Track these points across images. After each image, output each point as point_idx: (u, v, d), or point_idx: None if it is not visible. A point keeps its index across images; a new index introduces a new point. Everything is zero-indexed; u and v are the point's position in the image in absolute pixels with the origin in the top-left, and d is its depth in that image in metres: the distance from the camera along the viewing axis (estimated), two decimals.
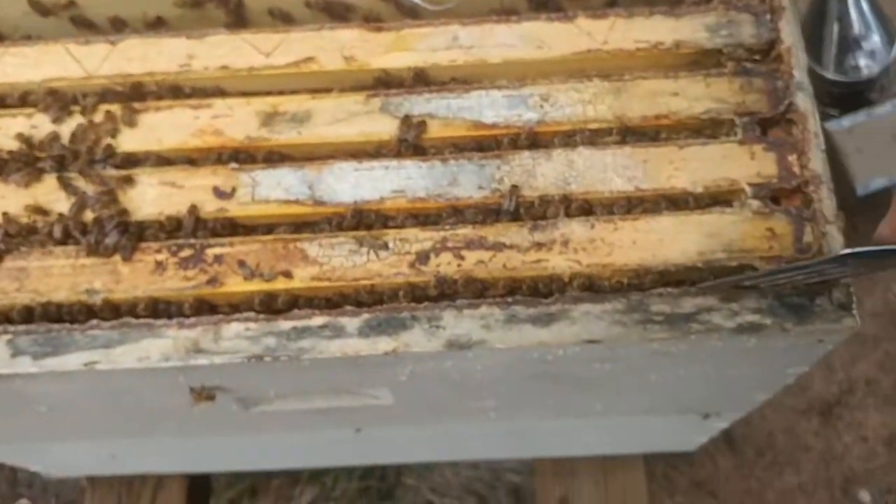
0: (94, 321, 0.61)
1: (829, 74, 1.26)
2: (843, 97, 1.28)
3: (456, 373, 0.64)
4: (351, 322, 0.60)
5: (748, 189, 0.60)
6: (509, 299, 0.59)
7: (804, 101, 0.62)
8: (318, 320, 0.60)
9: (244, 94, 0.66)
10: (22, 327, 0.61)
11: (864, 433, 1.39)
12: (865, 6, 1.29)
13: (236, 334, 0.60)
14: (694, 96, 0.63)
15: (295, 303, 0.62)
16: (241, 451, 0.98)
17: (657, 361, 0.64)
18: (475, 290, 0.60)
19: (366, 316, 0.60)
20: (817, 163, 0.61)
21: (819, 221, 0.59)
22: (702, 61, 0.65)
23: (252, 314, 0.60)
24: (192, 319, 0.60)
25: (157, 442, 0.90)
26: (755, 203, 0.60)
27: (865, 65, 1.28)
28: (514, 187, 0.62)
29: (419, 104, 0.65)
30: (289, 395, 0.72)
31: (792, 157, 0.61)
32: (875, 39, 1.28)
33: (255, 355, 0.59)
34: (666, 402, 0.82)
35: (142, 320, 0.61)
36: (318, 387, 0.70)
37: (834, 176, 0.62)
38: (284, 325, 0.60)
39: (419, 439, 0.97)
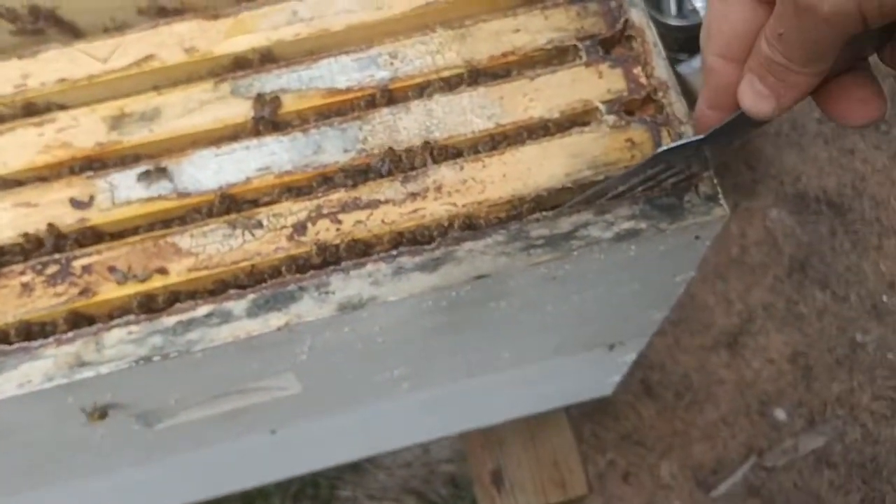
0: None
1: (672, 21, 1.33)
2: (689, 40, 1.35)
3: (357, 340, 0.64)
4: (237, 304, 0.58)
5: (601, 106, 0.62)
6: (393, 252, 0.59)
7: (638, 16, 0.65)
8: (202, 309, 0.58)
9: (88, 103, 0.64)
10: None
11: (769, 356, 1.45)
12: None
13: (119, 340, 0.58)
14: (535, 29, 0.65)
15: (176, 299, 0.60)
16: (160, 484, 0.94)
17: (549, 289, 0.65)
18: (359, 251, 0.60)
19: (252, 296, 0.58)
20: (662, 70, 0.63)
21: (673, 124, 0.62)
22: None
23: (132, 317, 0.58)
24: (70, 334, 0.58)
25: (67, 489, 0.85)
26: (611, 118, 0.62)
27: (702, 6, 1.35)
28: (390, 149, 0.62)
29: (270, 81, 0.64)
30: (190, 401, 0.70)
31: (637, 70, 0.63)
32: None
33: (143, 357, 0.57)
34: (570, 338, 0.83)
35: (16, 345, 0.57)
36: (218, 385, 0.68)
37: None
38: (168, 320, 0.58)
39: (339, 433, 0.95)
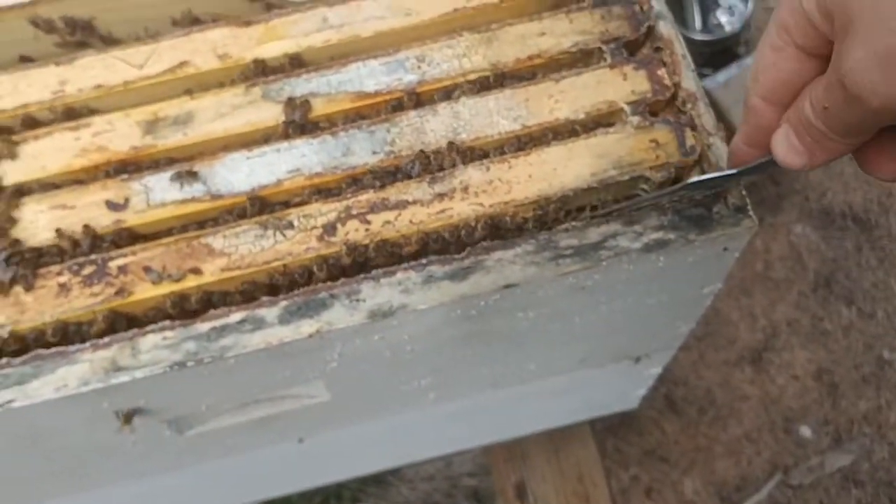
0: (4, 360, 0.59)
1: (697, 35, 1.34)
2: (714, 55, 1.36)
3: (386, 348, 0.64)
4: (270, 312, 0.59)
5: (626, 107, 0.63)
6: (423, 261, 0.60)
7: (667, 29, 0.66)
8: (236, 316, 0.59)
9: (123, 108, 0.66)
10: None
11: (794, 372, 1.44)
12: None
13: (154, 345, 0.59)
14: (560, 33, 0.66)
15: (209, 299, 0.61)
16: (187, 492, 0.95)
17: (577, 299, 0.65)
18: (387, 251, 0.61)
19: (284, 303, 0.59)
20: (690, 82, 0.64)
21: (702, 134, 0.62)
22: (562, 1, 0.68)
23: (167, 322, 0.59)
24: (106, 339, 0.59)
25: (97, 495, 0.85)
26: (635, 119, 0.63)
27: (727, 21, 1.36)
28: (421, 152, 0.63)
29: (300, 85, 0.65)
30: (221, 408, 0.71)
31: (661, 72, 0.64)
32: None
33: (177, 362, 0.58)
34: (596, 350, 0.84)
35: (53, 349, 0.59)
36: (249, 392, 0.69)
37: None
38: (202, 326, 0.59)
39: (365, 443, 0.95)
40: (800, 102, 0.47)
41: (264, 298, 0.60)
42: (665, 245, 0.60)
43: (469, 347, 0.70)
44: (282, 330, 0.59)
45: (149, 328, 0.59)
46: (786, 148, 0.48)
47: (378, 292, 0.59)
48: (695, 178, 0.57)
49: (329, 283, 0.60)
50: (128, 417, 0.64)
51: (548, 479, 1.11)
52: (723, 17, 1.37)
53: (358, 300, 0.59)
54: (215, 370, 0.60)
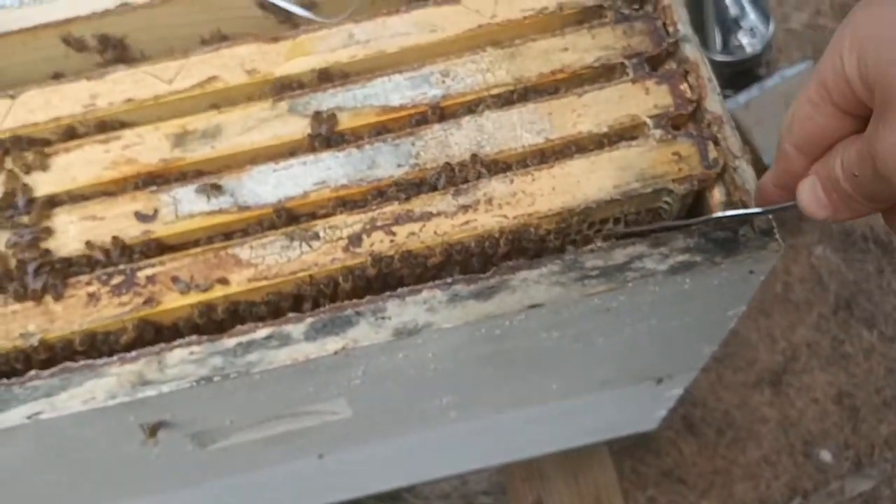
0: (33, 372, 0.60)
1: (717, 56, 1.34)
2: (735, 76, 1.36)
3: (409, 367, 0.64)
4: (296, 328, 0.60)
5: (649, 121, 0.64)
6: (448, 280, 0.60)
7: (692, 52, 0.66)
8: (262, 332, 0.60)
9: (152, 122, 0.67)
10: None
11: (814, 395, 1.43)
12: None
13: (181, 360, 0.59)
14: (583, 48, 0.67)
15: (235, 309, 0.62)
16: None
17: (602, 320, 0.65)
18: (412, 262, 0.61)
19: (310, 320, 0.60)
20: (716, 105, 0.64)
21: (728, 157, 0.62)
22: (585, 18, 0.69)
23: (194, 337, 0.60)
24: (133, 353, 0.59)
25: None
26: (658, 132, 0.63)
27: (748, 42, 1.37)
28: (446, 164, 0.63)
29: (326, 100, 0.66)
30: (244, 422, 0.71)
31: (683, 86, 0.65)
32: (752, 18, 1.37)
33: (204, 377, 0.59)
34: (619, 370, 0.83)
35: (82, 362, 0.59)
36: (272, 408, 0.69)
37: None
38: (229, 342, 0.59)
39: (384, 460, 0.95)
40: (831, 160, 0.48)
41: (290, 315, 0.60)
42: (691, 267, 0.60)
43: (491, 366, 0.70)
44: (308, 346, 0.59)
45: (176, 343, 0.60)
46: (811, 199, 0.49)
47: (403, 310, 0.60)
48: (722, 213, 0.58)
49: (355, 301, 0.60)
50: (153, 431, 0.65)
51: (565, 500, 1.10)
52: (744, 39, 1.37)
53: (383, 318, 0.60)
54: (241, 385, 0.60)
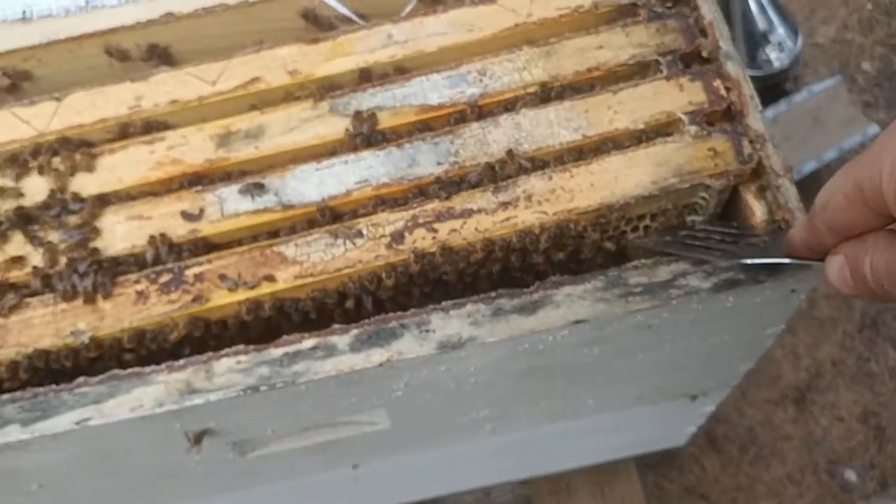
0: (81, 379, 0.61)
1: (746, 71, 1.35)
2: (762, 91, 1.36)
3: (451, 380, 0.65)
4: (341, 339, 0.61)
5: (684, 117, 0.65)
6: (492, 294, 0.61)
7: (734, 69, 0.67)
8: (308, 343, 0.61)
9: (195, 123, 0.68)
10: (6, 396, 0.61)
11: (838, 413, 1.43)
12: (765, 1, 1.39)
13: (228, 369, 0.60)
14: (617, 46, 0.68)
15: (281, 306, 0.63)
16: None
17: (643, 337, 0.66)
18: (454, 258, 0.62)
19: (355, 331, 0.61)
20: (758, 123, 0.65)
21: (771, 176, 0.63)
22: (619, 16, 0.70)
23: (241, 347, 0.61)
24: (182, 361, 0.61)
25: None
26: (693, 129, 0.64)
27: (776, 57, 1.37)
28: (487, 164, 0.64)
29: (366, 100, 0.68)
30: (285, 431, 0.72)
31: (717, 83, 0.66)
32: (780, 32, 1.38)
33: (251, 386, 0.60)
34: (656, 387, 0.84)
35: (130, 370, 0.60)
36: (314, 417, 0.70)
37: None
38: (275, 352, 0.60)
39: (417, 470, 0.96)
40: (861, 252, 0.49)
41: (335, 326, 0.61)
42: (735, 285, 0.61)
43: (531, 381, 0.71)
44: (353, 358, 0.60)
45: (223, 352, 0.61)
46: (839, 278, 0.51)
47: (448, 324, 0.61)
48: (750, 261, 0.58)
49: (399, 314, 0.61)
50: (198, 438, 0.66)
51: None
52: (772, 54, 1.37)
53: (428, 331, 0.61)
54: (285, 395, 0.61)
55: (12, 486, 0.70)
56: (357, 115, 0.67)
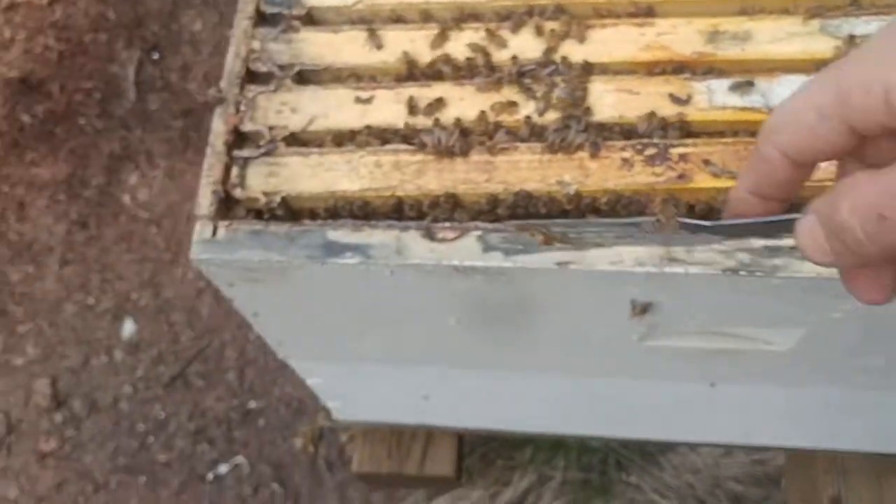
0: (590, 217, 0.64)
1: None
2: None
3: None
4: None
5: None
6: None
7: None
8: (787, 241, 0.61)
9: (684, 16, 0.71)
10: (490, 226, 0.64)
11: None
12: None
13: (709, 248, 0.62)
14: None
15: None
16: (567, 403, 0.96)
17: None
18: None
19: None
20: None
21: None
22: None
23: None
24: (661, 236, 0.62)
25: (481, 382, 0.89)
26: None
27: None
28: None
29: (858, 26, 0.69)
30: (698, 329, 0.73)
31: None
32: None
33: (730, 268, 0.61)
34: None
35: (624, 220, 0.63)
36: (733, 319, 0.71)
37: None
38: (756, 243, 0.62)
39: (759, 406, 0.94)
40: (836, 200, 0.38)
41: None
42: None
43: None
44: None
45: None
46: (811, 245, 0.41)
47: None
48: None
49: None
50: (643, 309, 0.68)
51: (865, 502, 1.07)
52: None
53: None
54: (748, 287, 0.62)
55: (431, 318, 0.74)
56: (850, 39, 0.68)
